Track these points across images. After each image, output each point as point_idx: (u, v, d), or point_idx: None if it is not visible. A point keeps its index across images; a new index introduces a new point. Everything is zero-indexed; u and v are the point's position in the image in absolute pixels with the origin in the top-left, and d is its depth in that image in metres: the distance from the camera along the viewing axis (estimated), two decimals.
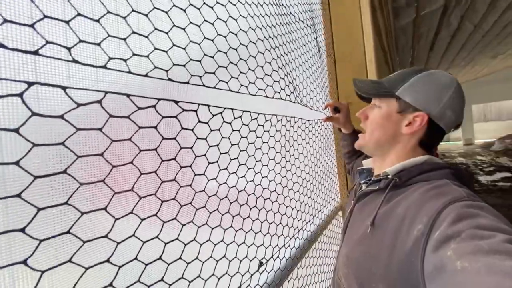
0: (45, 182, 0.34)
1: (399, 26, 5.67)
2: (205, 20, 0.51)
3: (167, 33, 0.45)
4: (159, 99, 0.39)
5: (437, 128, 0.62)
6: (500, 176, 7.17)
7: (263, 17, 0.74)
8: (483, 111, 17.57)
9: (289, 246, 0.82)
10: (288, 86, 0.86)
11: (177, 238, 0.44)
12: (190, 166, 0.47)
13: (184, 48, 0.47)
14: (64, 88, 0.34)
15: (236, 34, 0.60)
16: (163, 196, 0.44)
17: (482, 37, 7.34)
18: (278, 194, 0.78)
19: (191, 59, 0.48)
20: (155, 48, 0.43)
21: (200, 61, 0.49)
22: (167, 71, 0.43)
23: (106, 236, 0.36)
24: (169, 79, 0.43)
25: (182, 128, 0.43)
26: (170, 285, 0.43)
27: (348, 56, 1.46)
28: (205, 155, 0.49)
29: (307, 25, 1.14)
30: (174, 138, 0.44)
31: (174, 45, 0.46)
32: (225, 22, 0.57)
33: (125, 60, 0.40)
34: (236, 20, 0.61)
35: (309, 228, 1.02)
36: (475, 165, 8.65)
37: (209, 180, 0.51)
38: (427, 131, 0.63)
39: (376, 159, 0.71)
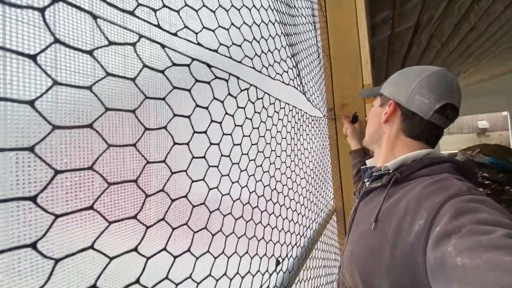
0: None
1: (376, 40, 6.02)
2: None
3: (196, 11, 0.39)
4: (193, 59, 0.33)
5: (412, 115, 0.63)
6: None
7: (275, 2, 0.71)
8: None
9: (299, 245, 0.77)
10: (296, 77, 0.83)
11: (188, 250, 0.36)
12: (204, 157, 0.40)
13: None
14: None
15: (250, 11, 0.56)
16: (171, 193, 0.37)
17: (447, 56, 8.01)
18: (289, 189, 0.74)
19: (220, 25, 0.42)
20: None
21: (227, 29, 0.44)
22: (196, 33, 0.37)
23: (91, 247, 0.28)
24: (199, 44, 0.37)
25: (214, 98, 0.37)
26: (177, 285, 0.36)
27: (344, 57, 1.47)
28: (230, 135, 0.43)
29: (309, 21, 1.14)
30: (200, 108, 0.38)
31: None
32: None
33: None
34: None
35: (314, 227, 0.98)
36: (468, 161, 9.27)
37: (223, 175, 0.45)
38: (403, 118, 0.65)
39: (375, 153, 0.76)
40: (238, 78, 0.42)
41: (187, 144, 0.37)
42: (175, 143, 0.35)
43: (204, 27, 0.40)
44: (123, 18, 0.30)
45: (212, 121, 0.36)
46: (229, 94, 0.40)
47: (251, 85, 0.47)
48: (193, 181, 0.39)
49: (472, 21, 6.28)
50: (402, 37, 6.42)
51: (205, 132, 0.36)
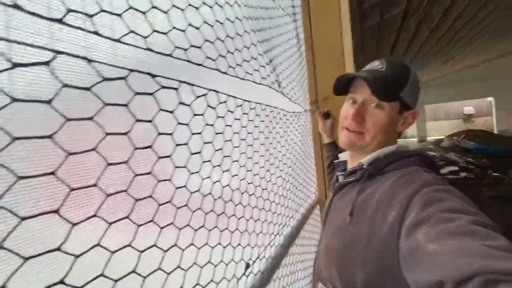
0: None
1: (365, 27, 5.97)
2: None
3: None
4: (131, 70, 0.31)
5: None
6: (448, 169, 7.97)
7: None
8: (434, 111, 19.40)
9: (274, 244, 0.77)
10: (271, 74, 0.81)
11: (154, 245, 0.36)
12: (170, 156, 0.39)
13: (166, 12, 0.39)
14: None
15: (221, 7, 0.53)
16: (135, 194, 0.36)
17: (436, 43, 8.05)
18: (263, 189, 0.73)
19: (174, 27, 0.39)
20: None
21: (184, 31, 0.41)
22: (145, 37, 0.34)
23: (58, 250, 0.27)
24: (148, 49, 0.34)
25: (161, 109, 0.35)
26: None
27: (326, 49, 1.44)
28: (186, 143, 0.41)
29: (287, 13, 1.10)
30: (150, 121, 0.36)
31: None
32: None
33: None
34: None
35: (292, 223, 0.98)
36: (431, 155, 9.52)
37: (191, 174, 0.43)
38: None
39: (360, 155, 0.69)
40: (192, 85, 0.40)
41: (124, 163, 0.35)
42: (108, 164, 0.33)
43: (154, 31, 0.37)
44: (50, 28, 0.27)
45: (159, 133, 0.34)
46: (181, 103, 0.38)
47: (209, 90, 0.45)
48: (136, 200, 0.37)
49: (460, 8, 6.27)
50: (391, 23, 6.38)
51: (149, 147, 0.34)
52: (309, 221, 1.33)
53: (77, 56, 0.27)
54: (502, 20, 7.28)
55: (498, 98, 14.23)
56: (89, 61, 0.28)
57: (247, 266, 0.61)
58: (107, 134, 0.31)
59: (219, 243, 0.49)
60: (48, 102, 0.26)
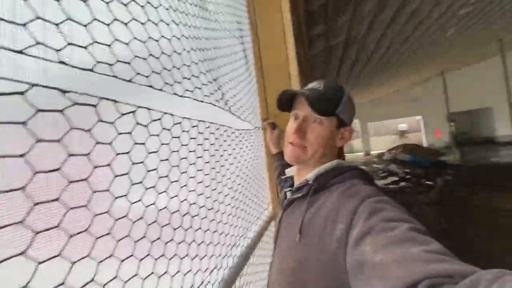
0: None
1: (313, 53, 6.52)
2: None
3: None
4: (33, 84, 0.27)
5: None
6: (390, 180, 8.85)
7: (187, 15, 0.68)
8: (376, 128, 21.69)
9: (221, 267, 0.74)
10: (215, 92, 0.81)
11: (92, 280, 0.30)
12: (86, 179, 0.35)
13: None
14: None
15: (157, 25, 0.52)
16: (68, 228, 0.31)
17: (372, 68, 9.17)
18: (208, 209, 0.70)
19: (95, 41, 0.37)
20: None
21: (109, 46, 0.39)
22: (57, 50, 0.31)
23: None
24: (61, 62, 0.31)
25: (72, 128, 0.32)
26: None
27: (274, 70, 1.52)
28: (108, 165, 0.38)
29: (234, 35, 1.14)
30: (57, 142, 0.32)
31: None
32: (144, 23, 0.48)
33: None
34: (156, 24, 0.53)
35: (242, 243, 0.96)
36: (373, 171, 10.48)
37: (116, 198, 0.39)
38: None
39: (304, 169, 0.73)
40: (114, 101, 0.38)
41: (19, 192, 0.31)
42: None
43: (69, 43, 0.34)
44: None
45: (70, 154, 0.30)
46: (101, 121, 0.35)
47: (138, 107, 0.42)
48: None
49: (389, 39, 7.31)
50: (335, 50, 7.10)
51: (57, 169, 0.30)
52: (264, 238, 1.32)
53: None
54: (422, 50, 8.70)
55: (425, 117, 16.61)
56: None
57: None
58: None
59: (153, 272, 0.45)
60: None
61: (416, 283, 0.35)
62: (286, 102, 0.75)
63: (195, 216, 0.63)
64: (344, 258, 0.48)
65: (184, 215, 0.57)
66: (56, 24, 0.33)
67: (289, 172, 0.82)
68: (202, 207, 0.67)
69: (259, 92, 1.55)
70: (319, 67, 7.76)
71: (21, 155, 0.27)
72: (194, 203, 0.63)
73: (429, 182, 7.74)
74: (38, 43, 0.31)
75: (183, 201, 0.58)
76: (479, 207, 5.22)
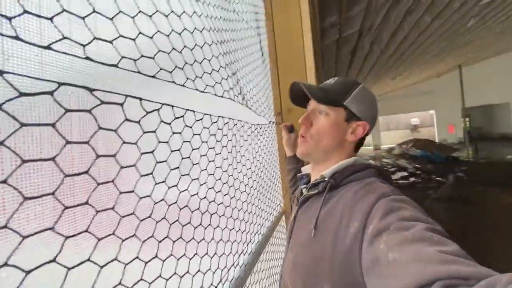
0: None
1: (325, 45, 6.37)
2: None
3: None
4: (60, 83, 0.26)
5: (368, 133, 0.71)
6: (400, 175, 8.72)
7: (208, 5, 0.65)
8: (387, 122, 21.28)
9: (238, 264, 0.73)
10: (234, 87, 0.79)
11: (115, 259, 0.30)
12: (112, 181, 0.34)
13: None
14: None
15: (180, 17, 0.50)
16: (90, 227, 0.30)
17: (386, 61, 8.90)
18: (226, 207, 0.69)
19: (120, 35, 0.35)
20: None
21: (134, 40, 0.37)
22: (84, 45, 0.29)
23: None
24: (87, 57, 0.29)
25: (100, 128, 0.30)
26: None
27: (289, 63, 1.48)
28: (134, 165, 0.37)
29: (252, 26, 1.10)
30: (86, 143, 0.30)
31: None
32: (167, 16, 0.46)
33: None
34: (179, 15, 0.50)
35: (257, 239, 0.95)
36: (383, 167, 10.35)
37: (141, 198, 0.38)
38: (364, 137, 0.71)
39: (317, 165, 0.73)
40: (140, 99, 0.36)
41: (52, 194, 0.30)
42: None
43: (95, 38, 0.33)
44: None
45: (98, 155, 0.29)
46: (127, 119, 0.34)
47: (163, 104, 0.41)
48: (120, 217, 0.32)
49: (405, 30, 7.04)
50: (348, 41, 6.90)
51: (86, 172, 0.29)
52: (275, 233, 1.32)
53: None
54: (438, 43, 8.36)
55: (438, 111, 16.17)
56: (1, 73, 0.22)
57: None
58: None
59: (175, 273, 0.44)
60: None
61: (429, 284, 0.34)
62: (300, 97, 0.74)
63: (213, 214, 0.62)
64: (358, 255, 0.48)
65: (203, 213, 0.56)
66: (83, 18, 0.31)
67: (305, 169, 0.81)
68: (220, 204, 0.66)
69: (273, 85, 1.52)
70: (331, 59, 7.58)
71: (51, 159, 0.25)
72: (213, 201, 0.63)
73: (439, 178, 7.59)
74: (64, 37, 0.29)
75: (202, 198, 0.57)
76: (491, 205, 5.10)
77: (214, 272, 0.58)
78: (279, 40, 1.50)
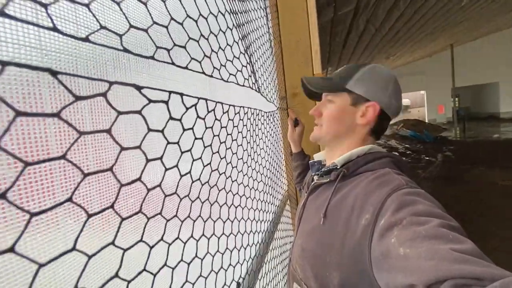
0: None
1: (320, 23, 6.19)
2: None
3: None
4: (112, 82, 0.23)
5: (385, 116, 0.67)
6: None
7: None
8: None
9: (255, 256, 0.74)
10: (251, 75, 0.76)
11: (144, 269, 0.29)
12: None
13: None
14: None
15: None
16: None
17: (380, 40, 8.79)
18: (241, 196, 0.69)
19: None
20: None
21: (166, 27, 0.33)
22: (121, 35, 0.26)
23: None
24: (125, 49, 0.26)
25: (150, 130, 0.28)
26: None
27: (294, 45, 1.43)
28: (161, 158, 0.35)
29: (260, 6, 1.04)
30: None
31: None
32: None
33: None
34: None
35: (266, 227, 0.97)
36: (400, 156, 10.55)
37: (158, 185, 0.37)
38: (379, 120, 0.67)
39: (330, 151, 0.73)
40: (182, 95, 0.33)
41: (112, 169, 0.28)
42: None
43: (131, 26, 0.29)
44: None
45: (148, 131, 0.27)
46: (172, 118, 0.31)
47: (199, 99, 0.38)
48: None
49: (401, 8, 6.92)
50: (343, 20, 6.74)
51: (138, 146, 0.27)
52: (282, 219, 1.34)
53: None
54: (432, 22, 8.27)
55: (429, 91, 16.34)
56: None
57: (238, 285, 0.57)
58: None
59: (212, 270, 0.44)
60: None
61: (439, 282, 0.34)
62: (315, 92, 0.75)
63: (230, 206, 0.62)
64: (368, 248, 0.48)
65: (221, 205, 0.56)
66: (118, 3, 0.27)
67: (317, 156, 0.80)
68: (235, 194, 0.66)
69: (277, 69, 1.48)
70: (325, 39, 7.43)
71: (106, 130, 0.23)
72: (230, 191, 0.62)
73: (429, 158, 7.83)
74: (102, 27, 0.26)
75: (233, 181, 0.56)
76: (476, 183, 5.34)
77: (241, 264, 0.59)
78: (283, 20, 1.43)
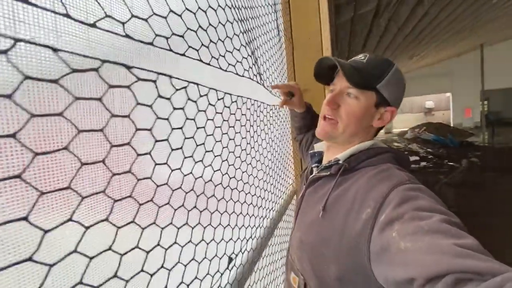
0: None
1: (339, 22, 6.09)
2: None
3: None
4: (104, 61, 0.28)
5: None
6: (411, 159, 8.61)
7: None
8: (401, 104, 20.61)
9: (255, 237, 0.78)
10: (253, 66, 0.79)
11: (137, 246, 0.34)
12: (150, 153, 0.37)
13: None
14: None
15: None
16: (113, 194, 0.33)
17: (403, 39, 8.47)
18: (244, 183, 0.73)
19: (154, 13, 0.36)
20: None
21: (165, 18, 0.38)
22: (123, 23, 0.31)
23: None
24: (127, 35, 0.31)
25: (138, 103, 0.33)
26: None
27: (305, 42, 1.45)
28: (167, 139, 0.39)
29: (269, 3, 1.08)
30: (128, 116, 0.33)
31: None
32: None
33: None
34: None
35: (271, 215, 1.00)
36: (402, 152, 10.19)
37: (172, 171, 0.41)
38: (388, 121, 0.66)
39: (335, 147, 0.69)
40: (170, 77, 0.38)
41: (101, 162, 0.33)
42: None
43: (133, 16, 0.34)
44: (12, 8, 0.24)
45: (137, 129, 0.32)
46: (159, 96, 0.36)
47: (189, 82, 0.42)
48: (115, 201, 0.35)
49: (426, 6, 6.64)
50: (363, 19, 6.58)
51: (128, 143, 0.32)
52: (287, 212, 1.36)
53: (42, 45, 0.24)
54: (460, 20, 7.85)
55: (455, 94, 15.53)
56: (54, 50, 0.24)
57: (230, 260, 0.61)
58: (80, 131, 0.28)
59: (203, 240, 0.48)
60: (9, 96, 0.23)
61: (440, 276, 0.34)
62: (323, 71, 0.68)
63: (234, 189, 0.65)
64: (367, 242, 0.47)
65: (225, 188, 0.60)
66: None
67: (317, 147, 0.78)
68: (239, 180, 0.69)
69: (287, 64, 1.50)
70: (344, 38, 7.28)
71: (100, 130, 0.28)
72: (233, 177, 0.66)
73: (452, 163, 7.47)
74: (107, 15, 0.31)
75: (224, 174, 0.60)
76: (503, 192, 5.02)
77: (235, 242, 0.63)
78: (295, 18, 1.46)
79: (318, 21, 1.41)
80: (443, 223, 0.40)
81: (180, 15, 0.42)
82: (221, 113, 0.57)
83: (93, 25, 0.29)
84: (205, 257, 0.49)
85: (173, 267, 0.40)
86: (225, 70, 0.56)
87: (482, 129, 11.43)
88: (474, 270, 0.33)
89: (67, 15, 0.27)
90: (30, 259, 0.23)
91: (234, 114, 0.64)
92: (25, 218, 0.23)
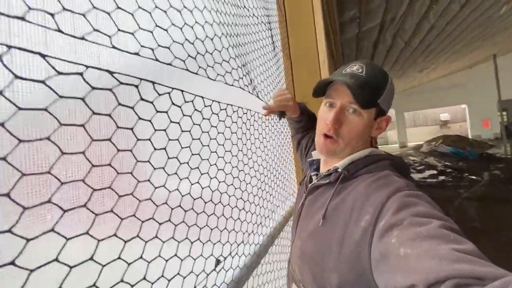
0: None
1: (345, 39, 6.21)
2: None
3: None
4: (88, 66, 0.33)
5: None
6: (428, 173, 8.29)
7: (218, 2, 0.71)
8: (413, 117, 20.24)
9: (248, 242, 0.78)
10: (244, 77, 0.84)
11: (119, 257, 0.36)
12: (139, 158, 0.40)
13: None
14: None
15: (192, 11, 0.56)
16: (96, 209, 0.37)
17: (411, 54, 8.48)
18: (236, 188, 0.74)
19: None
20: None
21: (151, 32, 0.43)
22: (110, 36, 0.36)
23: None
24: (113, 47, 0.36)
25: (119, 104, 0.37)
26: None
27: (302, 57, 1.51)
28: (149, 139, 0.43)
29: (262, 21, 1.15)
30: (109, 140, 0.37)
31: None
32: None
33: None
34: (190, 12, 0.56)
35: (269, 224, 1.00)
36: (409, 165, 9.87)
37: (155, 188, 0.45)
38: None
39: (334, 158, 0.68)
40: (153, 83, 0.42)
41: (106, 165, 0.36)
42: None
43: (119, 30, 0.39)
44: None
45: (118, 127, 0.36)
46: (142, 99, 0.40)
47: (173, 89, 0.46)
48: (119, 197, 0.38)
49: (431, 20, 6.68)
50: (369, 35, 6.69)
51: (109, 139, 0.35)
52: (290, 222, 1.35)
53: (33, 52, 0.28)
54: (469, 32, 7.81)
55: (471, 105, 15.10)
56: (43, 56, 0.29)
57: (218, 262, 0.61)
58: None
59: (187, 238, 0.50)
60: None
61: (440, 282, 0.34)
62: (321, 88, 0.67)
63: (223, 193, 0.68)
64: (367, 249, 0.47)
65: (213, 191, 0.62)
66: (108, 13, 0.38)
67: (315, 154, 0.77)
68: (230, 185, 0.71)
69: (286, 78, 1.55)
70: (351, 54, 7.37)
71: (81, 125, 0.32)
72: (223, 181, 0.68)
73: (472, 177, 7.12)
74: (95, 30, 0.36)
75: (227, 174, 0.62)
76: None
77: (224, 245, 0.64)
78: (292, 34, 1.53)
79: (315, 37, 1.47)
80: (442, 229, 0.40)
81: (166, 30, 0.47)
82: (209, 119, 0.61)
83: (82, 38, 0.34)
84: (189, 255, 0.51)
85: (154, 259, 0.42)
86: (214, 80, 0.60)
87: (503, 140, 10.94)
88: (474, 275, 0.33)
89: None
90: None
91: (223, 121, 0.68)
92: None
